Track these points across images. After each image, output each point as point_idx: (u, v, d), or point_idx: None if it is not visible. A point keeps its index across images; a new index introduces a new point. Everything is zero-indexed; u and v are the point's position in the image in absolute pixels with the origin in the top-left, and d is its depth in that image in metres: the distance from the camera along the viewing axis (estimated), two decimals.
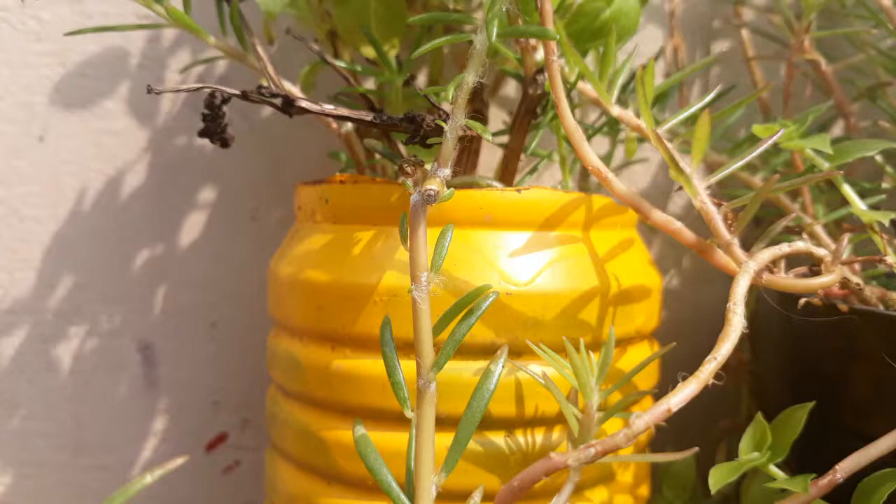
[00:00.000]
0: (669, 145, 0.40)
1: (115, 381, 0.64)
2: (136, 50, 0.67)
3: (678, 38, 0.62)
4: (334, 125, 0.48)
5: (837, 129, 0.63)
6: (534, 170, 0.50)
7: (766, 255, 0.35)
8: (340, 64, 0.46)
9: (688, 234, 0.39)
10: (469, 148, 0.46)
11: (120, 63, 0.67)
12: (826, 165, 0.45)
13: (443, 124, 0.35)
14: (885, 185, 0.50)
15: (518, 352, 0.41)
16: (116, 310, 0.65)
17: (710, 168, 0.58)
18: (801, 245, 0.37)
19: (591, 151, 0.37)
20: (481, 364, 0.41)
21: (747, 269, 0.34)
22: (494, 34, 0.33)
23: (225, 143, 0.41)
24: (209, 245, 0.65)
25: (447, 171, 0.35)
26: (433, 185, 0.33)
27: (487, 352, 0.40)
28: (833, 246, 0.48)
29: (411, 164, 0.36)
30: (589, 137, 0.47)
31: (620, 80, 0.45)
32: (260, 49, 0.43)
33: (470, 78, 0.35)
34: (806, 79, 0.58)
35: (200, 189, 0.66)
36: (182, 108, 0.66)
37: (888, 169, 0.50)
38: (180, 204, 0.65)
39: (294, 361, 0.44)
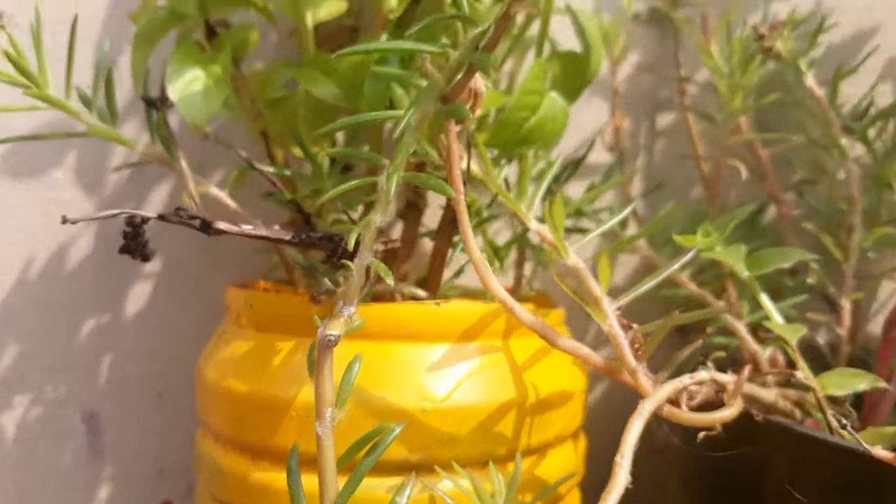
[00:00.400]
0: (580, 264, 0.41)
1: (60, 450, 0.65)
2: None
3: (620, 116, 0.63)
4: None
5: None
6: (459, 272, 0.51)
7: (664, 390, 0.36)
8: (268, 169, 0.47)
9: (596, 359, 0.40)
10: (395, 252, 0.46)
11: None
12: (745, 273, 0.45)
13: (349, 263, 0.35)
14: (809, 281, 0.51)
15: (434, 467, 0.42)
16: (62, 379, 0.65)
17: (648, 266, 0.58)
18: (703, 375, 0.38)
19: (497, 284, 0.38)
20: (394, 481, 0.41)
21: (642, 411, 0.34)
22: (394, 187, 0.34)
23: (146, 258, 0.42)
24: (155, 315, 0.65)
25: (352, 310, 0.35)
26: (334, 331, 0.34)
27: (401, 469, 0.41)
28: (755, 347, 0.49)
29: (322, 294, 0.37)
30: (508, 247, 0.48)
31: (543, 189, 0.46)
32: (184, 163, 0.44)
33: (376, 218, 0.36)
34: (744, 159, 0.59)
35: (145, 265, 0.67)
36: (129, 179, 0.67)
37: (812, 265, 0.51)
38: (126, 274, 0.65)
39: (217, 467, 0.45)
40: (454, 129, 0.35)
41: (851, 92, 0.65)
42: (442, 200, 0.51)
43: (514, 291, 0.55)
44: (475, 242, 0.37)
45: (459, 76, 0.35)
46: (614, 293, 0.40)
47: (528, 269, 0.56)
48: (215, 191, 0.47)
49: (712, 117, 0.53)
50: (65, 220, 0.39)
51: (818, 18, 0.65)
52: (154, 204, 0.64)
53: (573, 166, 0.55)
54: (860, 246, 0.50)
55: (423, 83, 0.35)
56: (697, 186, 0.67)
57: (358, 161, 0.51)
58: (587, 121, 0.67)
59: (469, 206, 0.46)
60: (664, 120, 0.68)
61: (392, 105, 0.41)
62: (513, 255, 0.55)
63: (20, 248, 0.64)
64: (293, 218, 0.47)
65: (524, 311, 0.39)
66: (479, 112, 0.39)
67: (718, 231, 0.46)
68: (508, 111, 0.46)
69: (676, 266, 0.41)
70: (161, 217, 0.40)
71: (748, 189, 0.62)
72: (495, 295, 0.38)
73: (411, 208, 0.51)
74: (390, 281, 0.34)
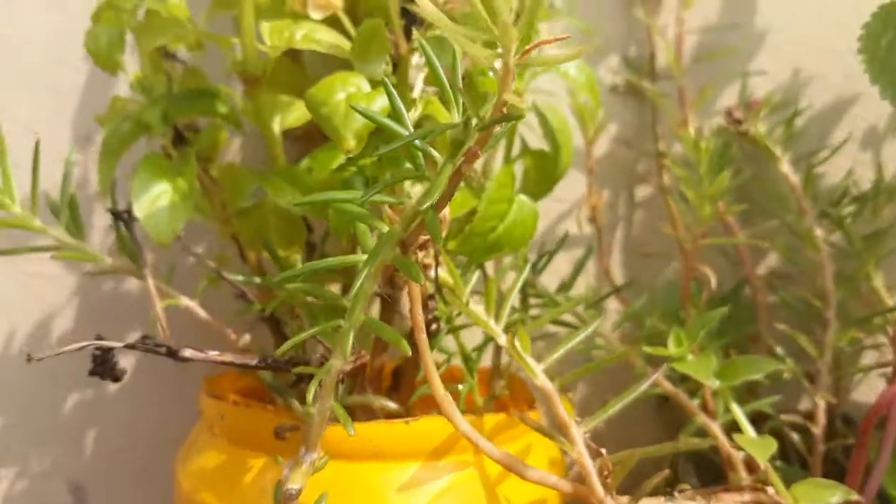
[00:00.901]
0: (548, 386, 0.41)
1: None
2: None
3: (597, 194, 0.63)
4: (233, 337, 0.48)
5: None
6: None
7: None
8: (237, 278, 0.47)
9: (564, 486, 0.40)
10: (363, 367, 0.46)
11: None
12: (716, 385, 0.45)
13: (310, 409, 0.35)
14: (786, 376, 0.51)
15: None
16: (47, 451, 0.65)
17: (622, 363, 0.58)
18: None
19: (461, 419, 0.38)
20: None
21: None
22: (352, 335, 0.34)
23: (116, 380, 0.42)
24: (139, 387, 0.65)
25: (314, 455, 0.35)
26: (295, 484, 0.34)
27: None
28: (730, 450, 0.49)
29: (286, 430, 0.37)
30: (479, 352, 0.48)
31: (511, 298, 0.46)
32: (151, 281, 0.44)
33: (336, 363, 0.36)
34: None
35: (129, 332, 0.67)
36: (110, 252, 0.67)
37: (788, 361, 0.51)
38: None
39: None
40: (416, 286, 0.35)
41: (827, 169, 0.65)
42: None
43: (491, 384, 0.54)
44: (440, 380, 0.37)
45: (416, 223, 0.35)
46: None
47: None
48: (185, 301, 0.47)
49: (689, 200, 0.53)
50: (29, 359, 0.39)
51: (794, 95, 0.66)
52: (134, 287, 0.64)
53: (548, 256, 0.54)
54: (834, 344, 0.50)
55: (384, 227, 0.35)
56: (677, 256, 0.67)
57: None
58: (565, 193, 0.66)
59: (438, 318, 0.46)
60: (643, 191, 0.68)
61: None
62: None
63: (2, 322, 0.64)
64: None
65: (490, 446, 0.39)
66: (444, 230, 0.39)
67: (689, 338, 0.46)
68: (476, 220, 0.46)
69: (647, 384, 0.41)
70: (130, 346, 0.40)
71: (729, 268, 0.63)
72: (461, 430, 0.38)
73: (383, 302, 0.51)
74: (350, 430, 0.34)
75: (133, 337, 0.66)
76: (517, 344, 0.39)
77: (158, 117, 0.45)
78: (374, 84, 0.41)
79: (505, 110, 0.31)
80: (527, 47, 0.30)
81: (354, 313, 0.34)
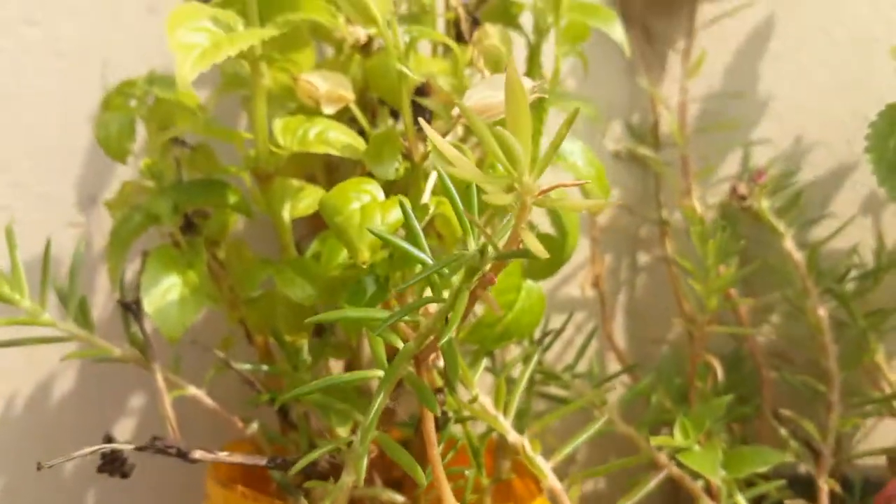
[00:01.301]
0: (558, 486, 0.41)
1: None
2: (68, 257, 0.67)
3: (600, 263, 0.63)
4: (240, 425, 0.48)
5: None
6: None
7: None
8: (244, 367, 0.47)
9: None
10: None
11: (52, 269, 0.67)
12: (721, 477, 0.46)
13: None
14: (789, 459, 0.52)
15: None
16: None
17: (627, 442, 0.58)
18: None
19: None
20: None
21: None
22: (366, 450, 0.34)
23: (125, 476, 0.42)
24: (145, 470, 0.65)
25: None
26: None
27: None
28: None
29: None
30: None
31: (520, 391, 0.46)
32: (159, 375, 0.44)
33: (349, 480, 0.36)
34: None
35: (130, 397, 0.67)
36: (112, 315, 0.67)
37: (793, 444, 0.51)
38: (111, 409, 0.65)
39: None
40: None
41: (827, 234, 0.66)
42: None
43: (496, 463, 0.55)
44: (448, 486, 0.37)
45: (430, 340, 0.35)
46: None
47: None
48: (192, 390, 0.47)
49: (694, 272, 0.53)
50: (39, 467, 0.39)
51: (797, 162, 0.66)
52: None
53: (554, 335, 0.55)
54: (838, 428, 0.50)
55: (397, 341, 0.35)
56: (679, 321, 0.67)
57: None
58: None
59: (446, 411, 0.47)
60: (645, 256, 0.68)
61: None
62: None
63: (2, 385, 0.63)
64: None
65: None
66: None
67: (696, 428, 0.46)
68: (485, 311, 0.46)
69: (655, 481, 0.41)
70: (139, 448, 0.40)
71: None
72: None
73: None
74: None
75: (134, 401, 0.67)
76: (527, 447, 0.39)
77: (169, 209, 0.45)
78: (387, 186, 0.41)
79: (521, 244, 0.32)
80: (544, 188, 0.30)
81: (368, 433, 0.35)
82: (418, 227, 0.35)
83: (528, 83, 0.37)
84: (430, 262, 0.33)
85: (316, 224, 0.51)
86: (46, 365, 0.64)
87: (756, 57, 0.68)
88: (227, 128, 0.46)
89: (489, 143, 0.29)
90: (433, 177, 0.41)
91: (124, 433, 0.66)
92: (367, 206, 0.38)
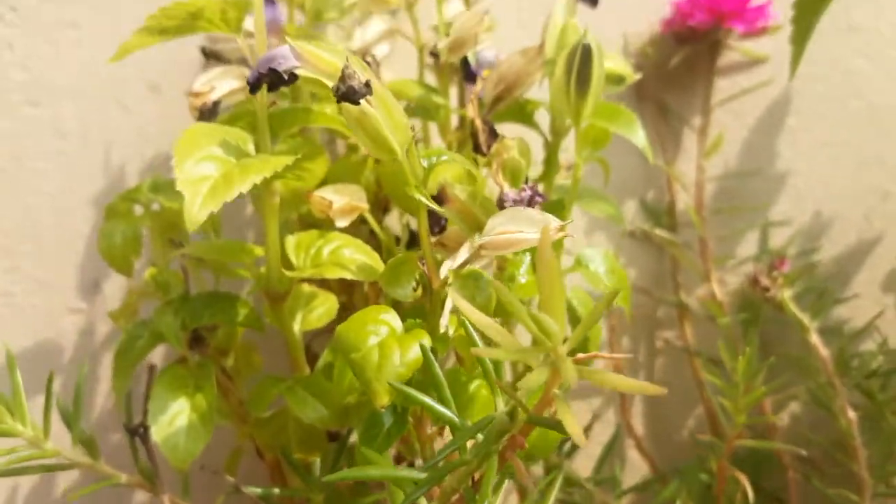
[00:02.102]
0: None
1: None
2: (69, 345, 0.65)
3: (619, 352, 0.61)
4: None
5: None
6: None
7: None
8: (255, 491, 0.45)
9: None
10: None
11: (51, 358, 0.65)
12: None
13: None
14: None
15: None
16: None
17: None
18: None
19: None
20: None
21: None
22: None
23: None
24: None
25: None
26: None
27: None
28: None
29: None
30: None
31: None
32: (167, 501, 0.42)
33: None
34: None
35: None
36: (114, 407, 0.65)
37: None
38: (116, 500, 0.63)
39: None
40: None
41: (852, 313, 0.64)
42: None
43: None
44: None
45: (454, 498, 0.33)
46: None
47: None
48: None
49: (723, 388, 0.51)
50: None
51: (816, 237, 0.65)
52: None
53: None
54: None
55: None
56: (699, 408, 0.65)
57: None
58: None
59: None
60: (664, 336, 0.67)
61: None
62: None
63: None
64: None
65: None
66: None
67: None
68: None
69: None
70: None
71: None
72: None
73: None
74: None
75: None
76: None
77: (175, 328, 0.43)
78: (404, 314, 0.39)
79: (553, 408, 0.30)
80: (580, 356, 0.29)
81: None
82: (441, 374, 0.34)
83: (553, 222, 0.35)
84: (456, 420, 0.32)
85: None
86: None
87: (773, 132, 0.66)
88: (236, 241, 0.44)
89: (524, 318, 0.27)
90: (450, 302, 0.40)
91: None
92: (384, 343, 0.36)
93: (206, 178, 0.35)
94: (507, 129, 0.51)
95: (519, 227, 0.36)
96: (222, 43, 0.55)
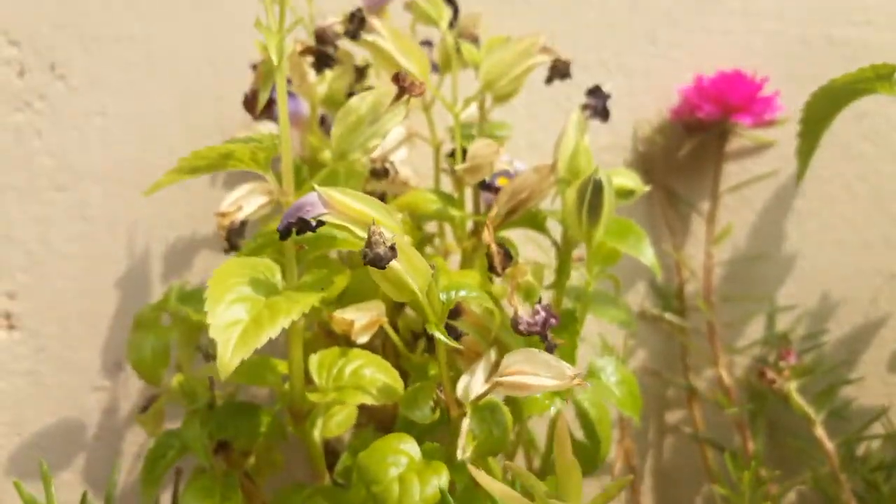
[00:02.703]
0: None
1: None
2: (93, 422, 0.67)
3: (629, 441, 0.63)
4: None
5: None
6: None
7: None
8: None
9: None
10: None
11: (76, 435, 0.67)
12: None
13: None
14: None
15: None
16: None
17: None
18: None
19: None
20: None
21: None
22: None
23: None
24: None
25: None
26: None
27: None
28: None
29: None
30: None
31: None
32: None
33: None
34: None
35: None
36: (136, 482, 0.67)
37: None
38: None
39: None
40: None
41: (857, 393, 0.66)
42: None
43: None
44: None
45: None
46: None
47: None
48: None
49: (722, 447, 0.52)
50: None
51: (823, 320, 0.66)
52: None
53: None
54: None
55: None
56: (706, 486, 0.67)
57: None
58: None
59: None
60: (673, 416, 0.68)
61: None
62: None
63: None
64: None
65: None
66: None
67: None
68: None
69: None
70: None
71: None
72: None
73: None
74: None
75: None
76: None
77: (202, 440, 0.45)
78: (421, 439, 0.41)
79: None
80: None
81: None
82: None
83: (569, 370, 0.37)
84: None
85: None
86: None
87: (780, 216, 0.68)
88: (261, 358, 0.46)
89: (542, 499, 0.29)
90: (466, 425, 0.41)
91: None
92: (404, 477, 0.38)
93: (237, 322, 0.37)
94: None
95: (535, 370, 0.37)
96: None
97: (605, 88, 0.50)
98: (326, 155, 0.54)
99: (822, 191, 0.68)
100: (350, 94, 0.50)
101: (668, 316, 0.64)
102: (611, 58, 0.67)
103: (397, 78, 0.40)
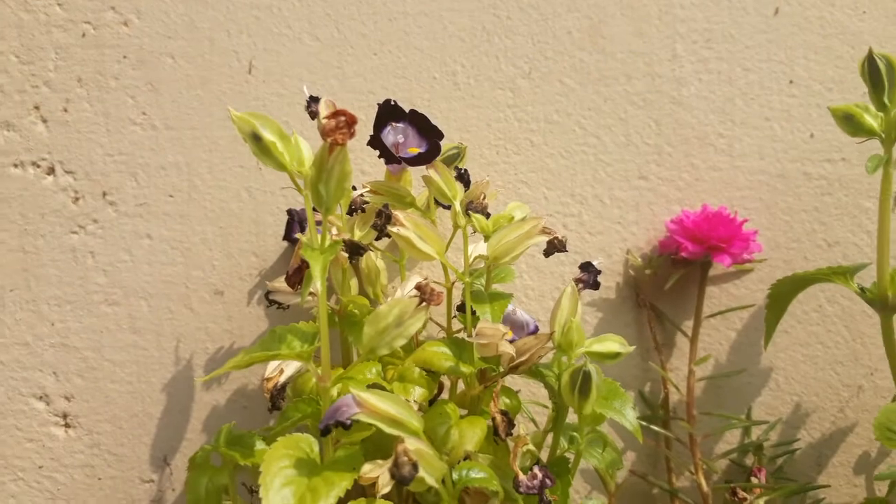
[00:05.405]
0: None
1: None
2: None
3: None
4: None
5: None
6: None
7: None
8: None
9: None
10: None
11: None
12: None
13: None
14: None
15: None
16: None
17: None
18: None
19: None
20: None
21: None
22: None
23: None
24: None
25: None
26: None
27: None
28: None
29: None
30: None
31: None
32: None
33: None
34: None
35: None
36: None
37: None
38: None
39: None
40: None
41: (828, 494, 0.73)
42: None
43: None
44: None
45: None
46: None
47: None
48: None
49: None
50: None
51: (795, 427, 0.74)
52: None
53: None
54: None
55: None
56: None
57: None
58: None
59: None
60: None
61: None
62: None
63: None
64: None
65: None
66: None
67: None
68: None
69: None
70: None
71: None
72: None
73: None
74: None
75: None
76: None
77: None
78: None
79: None
80: None
81: None
82: None
83: None
84: None
85: None
86: None
87: (758, 334, 0.75)
88: None
89: None
90: None
91: None
92: None
93: None
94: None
95: None
96: (282, 295, 0.65)
97: (595, 264, 0.57)
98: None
99: (794, 311, 0.75)
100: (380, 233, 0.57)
101: (654, 428, 0.72)
102: (604, 192, 0.74)
103: (419, 288, 0.48)
